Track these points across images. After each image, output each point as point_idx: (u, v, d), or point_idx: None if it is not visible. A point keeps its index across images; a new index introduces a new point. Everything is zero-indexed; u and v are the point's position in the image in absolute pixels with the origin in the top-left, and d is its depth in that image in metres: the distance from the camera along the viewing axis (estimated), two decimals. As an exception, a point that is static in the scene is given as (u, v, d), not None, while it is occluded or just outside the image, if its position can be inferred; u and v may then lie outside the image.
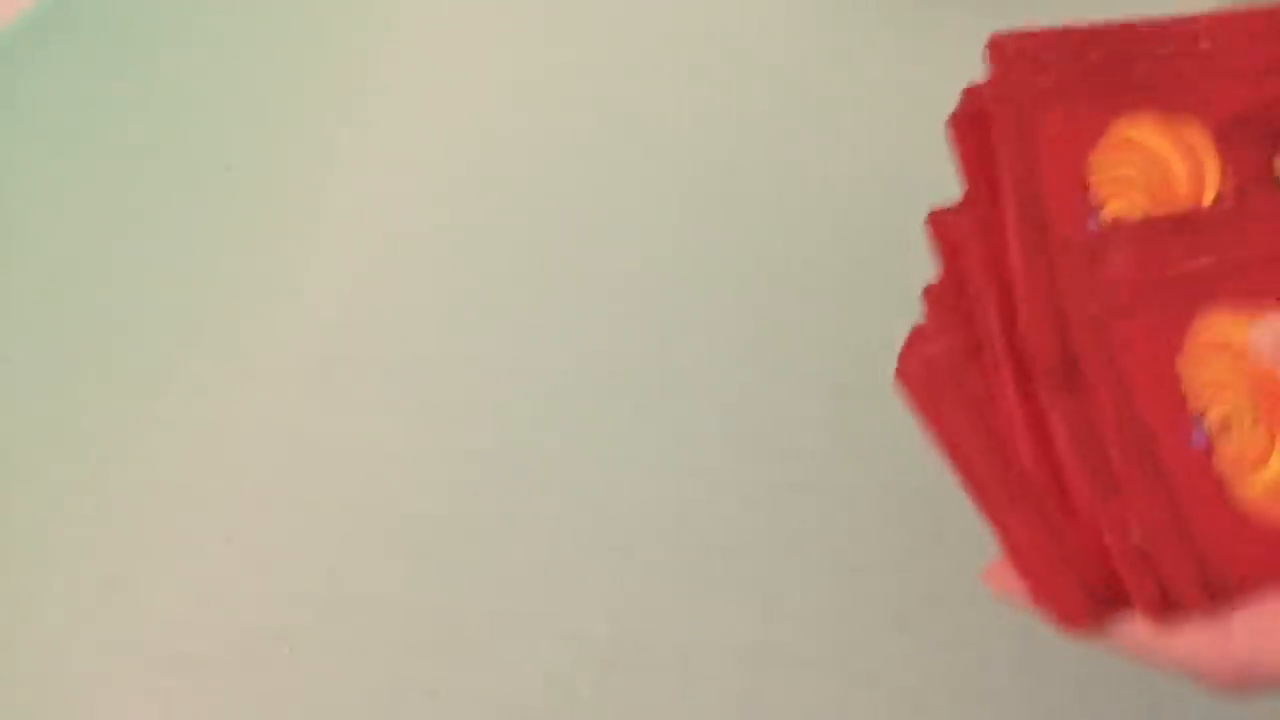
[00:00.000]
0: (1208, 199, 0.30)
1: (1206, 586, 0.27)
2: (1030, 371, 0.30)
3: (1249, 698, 0.42)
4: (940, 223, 0.33)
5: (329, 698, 0.50)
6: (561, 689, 0.50)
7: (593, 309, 0.62)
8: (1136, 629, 0.29)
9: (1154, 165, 0.31)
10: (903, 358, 0.32)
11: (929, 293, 0.32)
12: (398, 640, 0.52)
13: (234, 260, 0.66)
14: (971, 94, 0.32)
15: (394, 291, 0.64)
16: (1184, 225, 0.30)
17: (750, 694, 0.49)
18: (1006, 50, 0.32)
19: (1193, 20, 0.32)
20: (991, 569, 0.34)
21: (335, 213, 0.67)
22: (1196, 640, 0.29)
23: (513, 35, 0.75)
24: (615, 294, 0.62)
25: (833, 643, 0.50)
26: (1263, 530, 0.27)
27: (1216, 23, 0.32)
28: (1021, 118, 0.31)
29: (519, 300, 0.62)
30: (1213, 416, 0.29)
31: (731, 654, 0.50)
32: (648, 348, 0.60)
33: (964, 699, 0.49)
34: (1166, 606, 0.28)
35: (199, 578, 0.54)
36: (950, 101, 0.66)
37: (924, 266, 0.60)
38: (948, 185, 0.62)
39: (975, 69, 0.67)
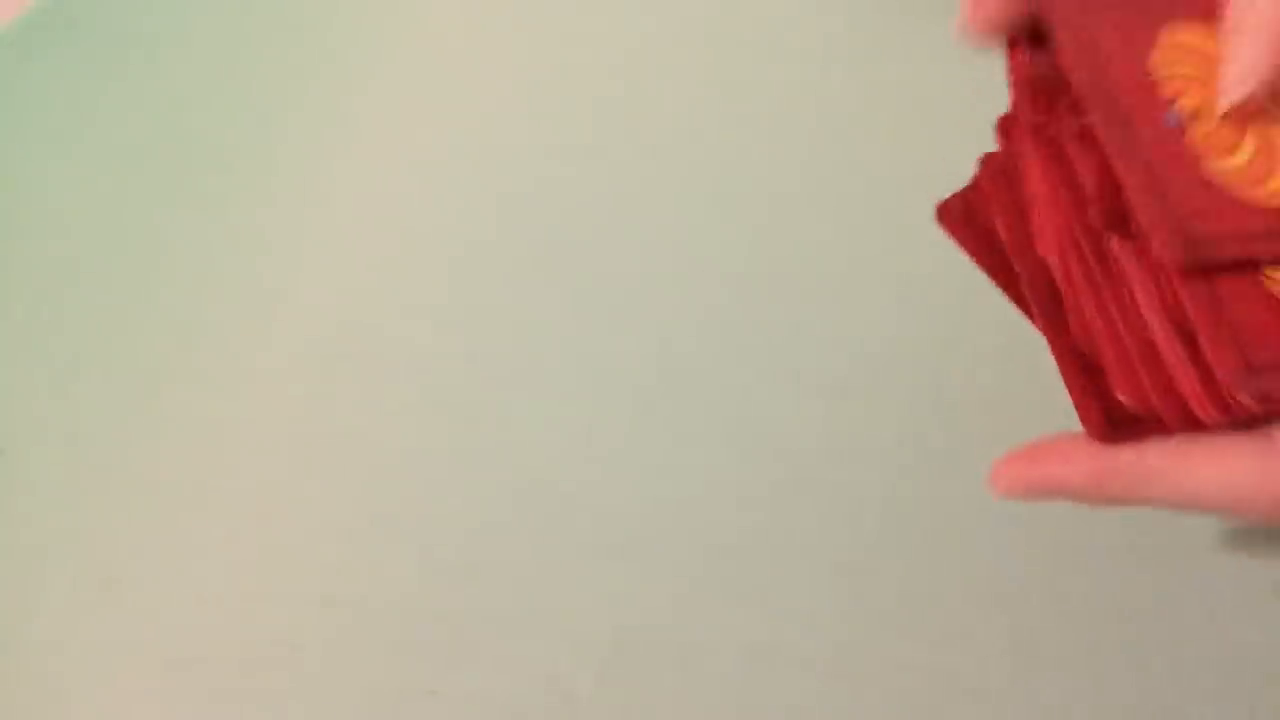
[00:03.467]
0: None
1: (1185, 242, 0.28)
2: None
3: None
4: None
5: (329, 698, 0.50)
6: (561, 689, 0.50)
7: (593, 308, 0.62)
8: (1168, 451, 0.30)
9: (1209, 64, 0.32)
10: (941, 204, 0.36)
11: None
12: (398, 640, 0.52)
13: (234, 260, 0.66)
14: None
15: (394, 291, 0.64)
16: None
17: (750, 694, 0.49)
18: None
19: None
20: (1008, 463, 0.34)
21: (336, 212, 0.67)
22: (1246, 473, 0.28)
23: (514, 35, 0.75)
24: (615, 293, 0.62)
25: (833, 643, 0.50)
26: (1230, 199, 0.29)
27: None
28: (1080, 33, 0.33)
29: (519, 300, 0.62)
30: (1184, 104, 0.31)
31: (731, 654, 0.50)
32: (648, 347, 0.60)
33: (964, 699, 0.49)
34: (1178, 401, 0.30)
35: (199, 578, 0.54)
36: (952, 102, 0.66)
37: (925, 266, 0.60)
38: (950, 185, 0.62)
39: (977, 68, 0.67)
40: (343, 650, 0.52)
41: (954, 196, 0.37)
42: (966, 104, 0.65)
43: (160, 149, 0.71)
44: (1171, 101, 0.31)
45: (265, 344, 0.62)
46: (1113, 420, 0.31)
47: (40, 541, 0.56)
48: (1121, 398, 0.32)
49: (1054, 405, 0.55)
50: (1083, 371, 0.34)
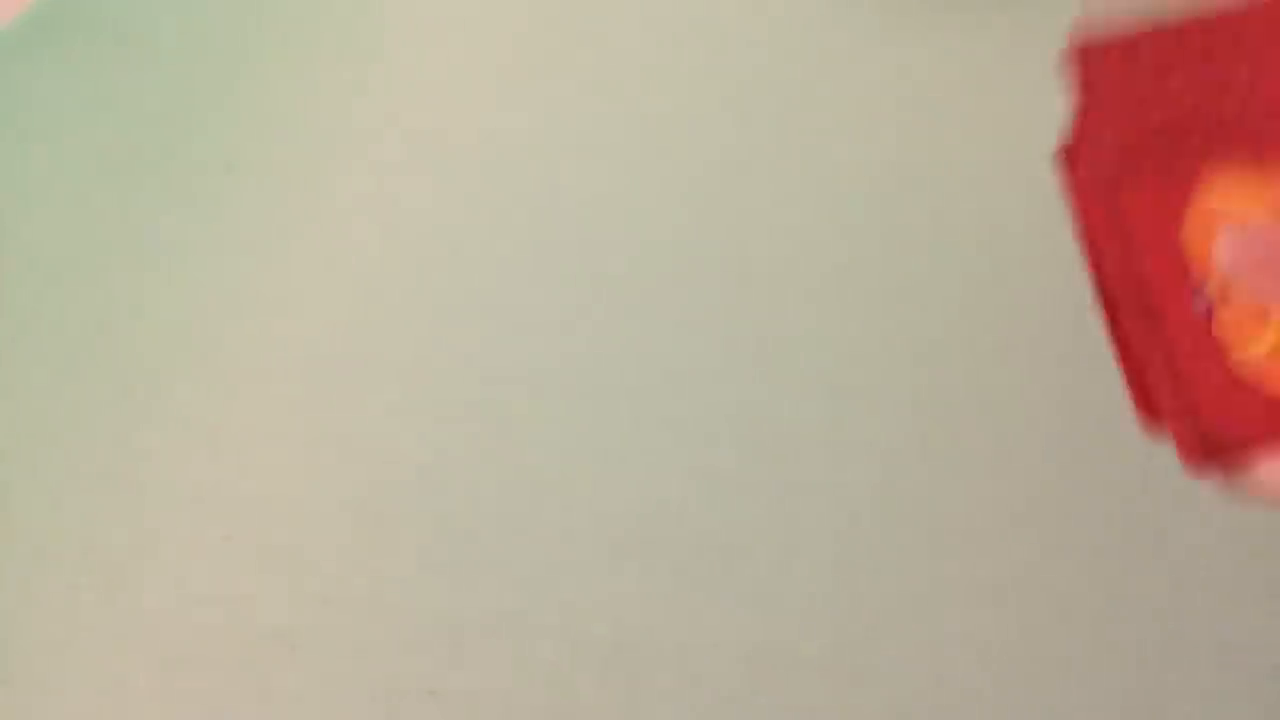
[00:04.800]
0: None
1: (1204, 444, 0.29)
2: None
3: None
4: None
5: (329, 698, 0.50)
6: (561, 689, 0.50)
7: (593, 308, 0.62)
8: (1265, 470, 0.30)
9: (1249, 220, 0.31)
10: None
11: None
12: (398, 640, 0.52)
13: (234, 260, 0.66)
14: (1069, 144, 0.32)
15: (395, 291, 0.64)
16: None
17: (750, 694, 0.49)
18: (1090, 74, 0.31)
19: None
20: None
21: (336, 212, 0.67)
22: None
23: (515, 35, 0.75)
24: (616, 293, 0.62)
25: (832, 643, 0.50)
26: (1257, 392, 0.29)
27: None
28: (1108, 195, 0.31)
29: (519, 300, 0.63)
30: (1213, 285, 0.29)
31: (731, 654, 0.50)
32: (648, 347, 0.60)
33: (964, 699, 0.49)
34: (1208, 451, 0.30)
35: (199, 578, 0.54)
36: (954, 101, 0.66)
37: (926, 266, 0.60)
38: (951, 184, 0.62)
39: (979, 69, 0.67)
40: (343, 650, 0.52)
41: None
42: (968, 104, 0.65)
43: (160, 149, 0.71)
44: (1201, 286, 0.29)
45: (265, 344, 0.62)
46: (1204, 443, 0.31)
47: (40, 541, 0.56)
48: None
49: (1054, 404, 0.55)
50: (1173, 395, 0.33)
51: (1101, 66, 0.31)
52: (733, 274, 0.63)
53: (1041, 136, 0.62)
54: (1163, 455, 0.52)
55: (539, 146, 0.69)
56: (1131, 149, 0.31)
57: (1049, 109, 0.63)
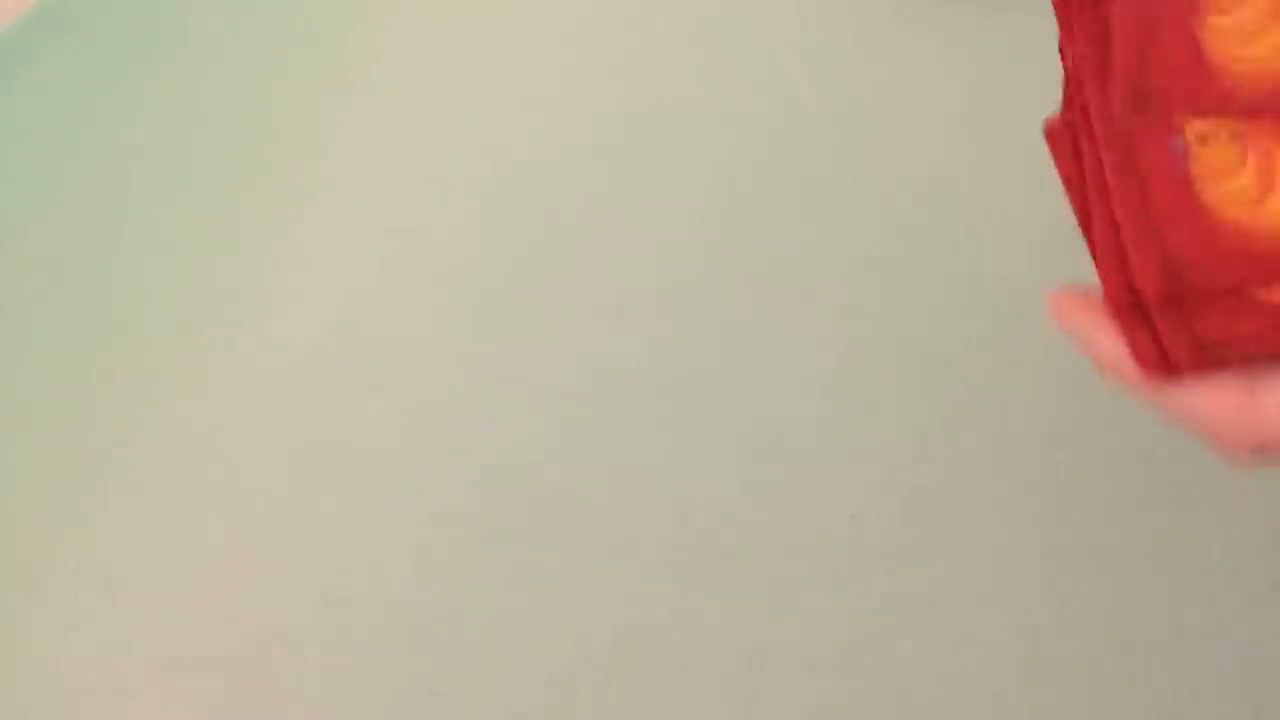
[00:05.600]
0: None
1: (1167, 272, 0.31)
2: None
3: (1263, 465, 0.42)
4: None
5: (329, 698, 0.50)
6: (562, 689, 0.50)
7: (593, 310, 0.62)
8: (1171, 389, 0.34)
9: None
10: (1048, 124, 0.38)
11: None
12: (399, 640, 0.52)
13: (234, 260, 0.66)
14: None
15: (395, 292, 0.64)
16: None
17: (750, 694, 0.49)
18: None
19: None
20: (1057, 298, 0.37)
21: (336, 213, 0.67)
22: (1228, 410, 0.32)
23: (516, 36, 0.75)
24: (616, 295, 0.62)
25: (832, 643, 0.50)
26: (1220, 228, 0.32)
27: None
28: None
29: (520, 301, 0.63)
30: (1193, 130, 0.33)
31: (731, 654, 0.50)
32: (648, 348, 0.60)
33: (963, 698, 0.49)
34: (1161, 357, 0.33)
35: (199, 578, 0.54)
36: (956, 101, 0.66)
37: (926, 266, 0.60)
38: (950, 183, 0.62)
39: (981, 69, 0.67)
40: (343, 650, 0.52)
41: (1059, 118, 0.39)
42: (969, 105, 0.65)
43: (160, 149, 0.71)
44: (1180, 128, 0.32)
45: (265, 344, 0.62)
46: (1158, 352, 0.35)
47: (40, 541, 0.56)
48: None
49: (1054, 404, 0.55)
50: (1133, 309, 0.37)
51: None
52: (732, 274, 0.63)
53: (1041, 135, 0.62)
54: (1163, 455, 0.52)
55: (539, 147, 0.69)
56: None
57: (1049, 108, 0.63)
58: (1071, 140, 0.38)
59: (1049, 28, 0.67)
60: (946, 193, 0.62)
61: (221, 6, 0.79)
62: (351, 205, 0.68)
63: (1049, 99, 0.64)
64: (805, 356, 0.59)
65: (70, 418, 0.60)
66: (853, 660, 0.50)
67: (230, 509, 0.56)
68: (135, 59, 0.76)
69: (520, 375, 0.60)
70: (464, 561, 0.54)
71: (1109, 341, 0.37)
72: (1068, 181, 0.39)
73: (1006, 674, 0.49)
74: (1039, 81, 0.64)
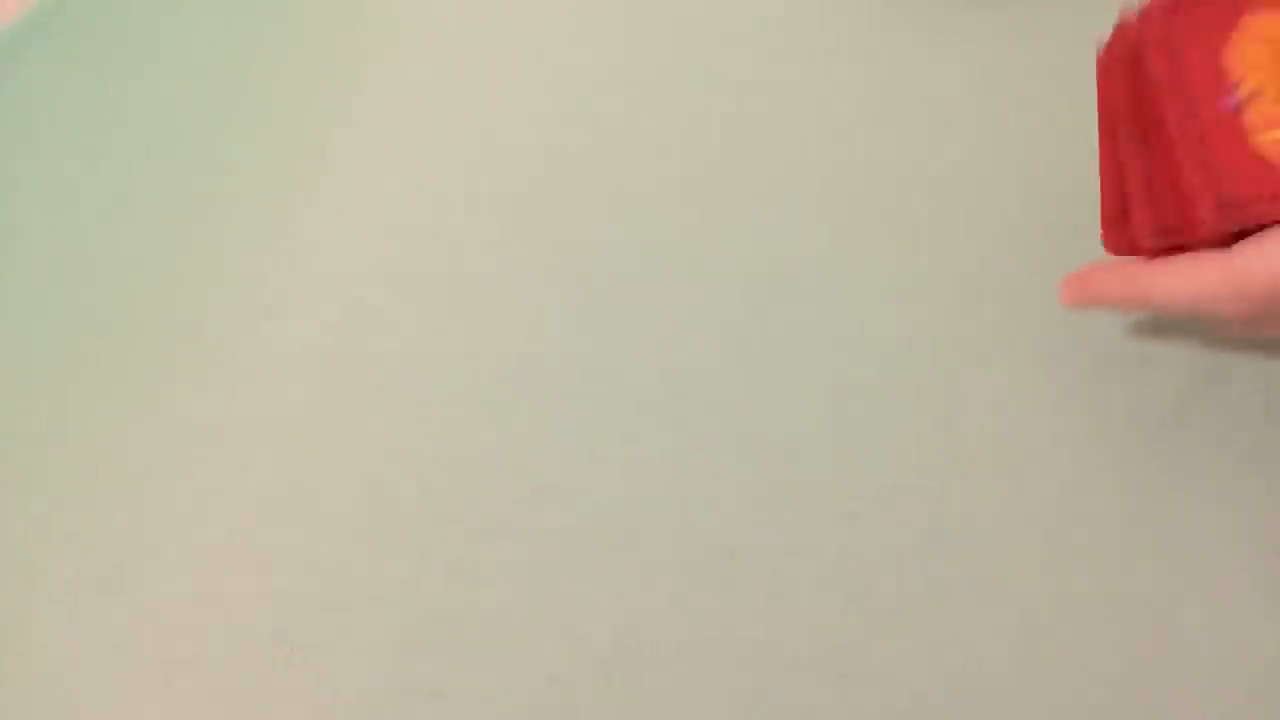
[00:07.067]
0: None
1: (1220, 204, 0.37)
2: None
3: (1261, 334, 0.44)
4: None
5: (329, 698, 0.50)
6: (562, 689, 0.50)
7: (593, 308, 0.62)
8: (1160, 263, 0.40)
9: (1275, 51, 0.40)
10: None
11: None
12: (399, 640, 0.52)
13: (234, 260, 0.66)
14: (1121, 34, 0.45)
15: (394, 291, 0.64)
16: None
17: (750, 694, 0.49)
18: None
19: None
20: (1068, 280, 0.45)
21: (336, 213, 0.67)
22: (1210, 273, 0.37)
23: (516, 35, 0.75)
24: (616, 293, 0.62)
25: (832, 643, 0.50)
26: (1269, 167, 0.38)
27: None
28: (1169, 40, 0.42)
29: (520, 301, 0.62)
30: (1245, 87, 0.39)
31: (731, 654, 0.50)
32: (647, 347, 0.60)
33: (963, 698, 0.49)
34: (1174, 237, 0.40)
35: (199, 578, 0.54)
36: (958, 101, 0.66)
37: (926, 267, 0.60)
38: (950, 184, 0.62)
39: (983, 69, 0.67)
40: (343, 650, 0.52)
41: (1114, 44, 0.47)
42: (969, 105, 0.65)
43: (160, 149, 0.71)
44: (1234, 87, 0.38)
45: (265, 344, 0.62)
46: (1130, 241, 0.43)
47: (40, 541, 0.56)
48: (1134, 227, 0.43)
49: (1054, 404, 0.55)
50: (1118, 200, 0.44)
51: None
52: (731, 274, 0.63)
53: (1043, 134, 0.62)
54: (1163, 456, 0.52)
55: (539, 146, 0.69)
56: None
57: (1050, 108, 0.63)
58: (1124, 70, 0.43)
59: (1050, 27, 0.67)
60: (947, 192, 0.62)
61: (222, 6, 0.79)
62: (352, 205, 0.68)
63: (1050, 98, 0.64)
64: (805, 355, 0.59)
65: (70, 418, 0.60)
66: (853, 660, 0.50)
67: (230, 509, 0.56)
68: (135, 59, 0.76)
69: (520, 375, 0.60)
70: (464, 561, 0.54)
71: (1111, 275, 0.42)
72: (1105, 106, 0.45)
73: (1006, 674, 0.49)
74: (1042, 80, 0.64)
